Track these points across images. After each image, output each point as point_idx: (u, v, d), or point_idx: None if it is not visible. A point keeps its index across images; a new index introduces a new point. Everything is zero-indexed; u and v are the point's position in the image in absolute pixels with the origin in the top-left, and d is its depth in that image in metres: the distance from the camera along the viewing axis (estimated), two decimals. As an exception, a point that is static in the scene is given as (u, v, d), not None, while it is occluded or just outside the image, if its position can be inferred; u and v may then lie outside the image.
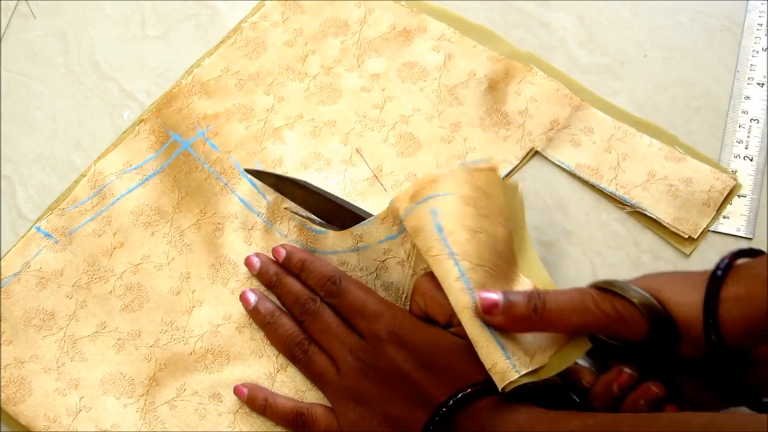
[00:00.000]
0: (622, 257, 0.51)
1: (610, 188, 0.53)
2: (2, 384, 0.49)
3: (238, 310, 0.50)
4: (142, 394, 0.48)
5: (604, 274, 0.51)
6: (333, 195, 0.52)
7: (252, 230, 0.52)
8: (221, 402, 0.48)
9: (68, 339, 0.50)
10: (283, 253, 0.50)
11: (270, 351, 0.49)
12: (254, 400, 0.47)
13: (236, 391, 0.47)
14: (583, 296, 0.41)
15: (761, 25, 0.58)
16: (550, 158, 0.54)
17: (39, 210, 0.54)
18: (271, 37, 0.59)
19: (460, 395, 0.40)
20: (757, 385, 0.39)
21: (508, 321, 0.41)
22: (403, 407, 0.42)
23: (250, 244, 0.52)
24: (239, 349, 0.49)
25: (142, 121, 0.56)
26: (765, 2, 0.59)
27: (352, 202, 0.53)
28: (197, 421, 0.47)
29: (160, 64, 0.60)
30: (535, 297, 0.41)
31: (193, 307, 0.50)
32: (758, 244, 0.51)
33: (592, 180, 0.53)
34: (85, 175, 0.55)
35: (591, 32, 0.59)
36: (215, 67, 0.58)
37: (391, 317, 0.45)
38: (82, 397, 0.48)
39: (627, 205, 0.52)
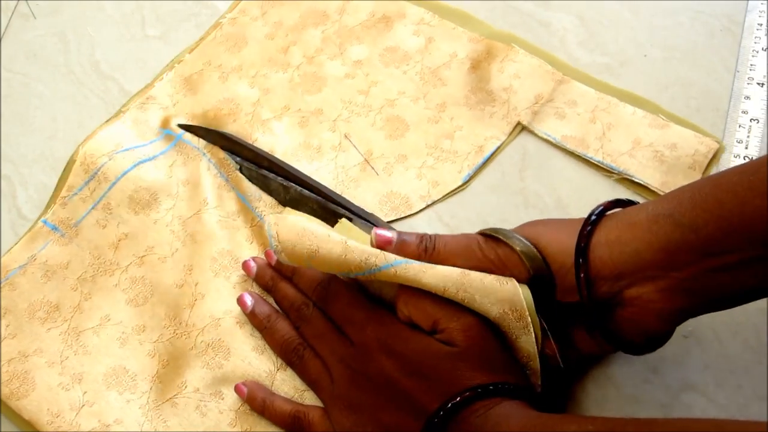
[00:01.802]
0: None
1: (597, 157, 0.53)
2: (5, 379, 0.48)
3: None
4: (145, 391, 0.48)
5: (604, 274, 0.51)
6: (260, 149, 0.54)
7: (253, 228, 0.52)
8: (222, 399, 0.48)
9: (72, 331, 0.50)
10: (274, 256, 0.50)
11: (270, 349, 0.49)
12: (254, 400, 0.47)
13: (237, 389, 0.47)
14: (470, 241, 0.44)
15: (761, 25, 0.58)
16: (536, 132, 0.55)
17: (39, 210, 0.54)
18: (251, 31, 0.60)
19: (450, 404, 0.40)
20: (625, 328, 0.41)
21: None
22: (394, 415, 0.42)
23: (251, 242, 0.52)
24: (239, 344, 0.49)
25: (120, 112, 0.56)
26: (765, 2, 0.59)
27: (346, 189, 0.53)
28: (199, 418, 0.47)
29: (160, 64, 0.60)
30: (427, 239, 0.44)
31: (195, 300, 0.50)
32: (758, 244, 0.51)
33: (579, 151, 0.54)
34: (75, 160, 0.54)
35: (591, 32, 0.59)
36: (197, 62, 0.59)
37: (378, 324, 0.45)
38: (85, 392, 0.48)
39: (614, 173, 0.53)
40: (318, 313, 0.47)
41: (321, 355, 0.46)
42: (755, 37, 0.57)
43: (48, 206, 0.54)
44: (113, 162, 0.54)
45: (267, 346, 0.49)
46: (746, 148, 0.54)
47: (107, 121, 0.56)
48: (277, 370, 0.48)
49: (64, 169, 0.55)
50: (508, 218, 0.53)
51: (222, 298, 0.50)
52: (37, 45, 0.61)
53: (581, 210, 0.52)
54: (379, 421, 0.42)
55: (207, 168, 0.54)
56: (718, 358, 0.48)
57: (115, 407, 0.48)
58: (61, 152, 0.56)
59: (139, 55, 0.60)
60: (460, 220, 0.53)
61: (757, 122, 0.54)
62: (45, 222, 0.53)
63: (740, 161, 0.53)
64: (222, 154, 0.54)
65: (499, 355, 0.42)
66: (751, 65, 0.56)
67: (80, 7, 0.62)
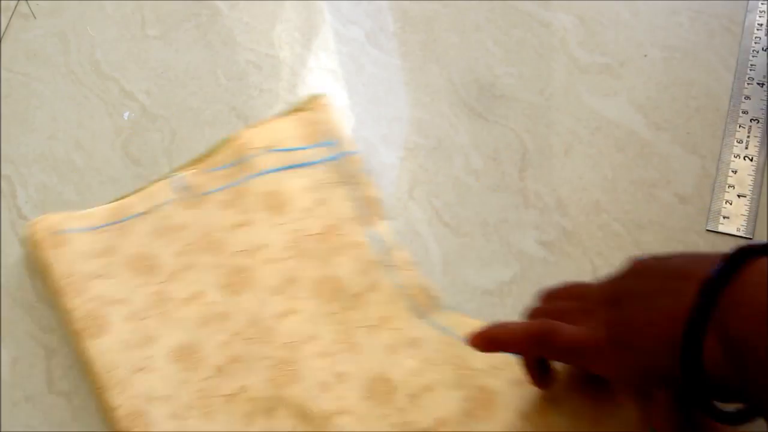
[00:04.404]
0: (622, 257, 0.51)
1: None
2: (83, 314, 0.47)
3: (330, 336, 0.48)
4: (204, 378, 0.47)
5: (605, 274, 0.51)
6: None
7: (369, 263, 0.50)
8: (272, 418, 0.46)
9: (161, 295, 0.48)
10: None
11: (337, 393, 0.46)
12: (481, 338, 0.43)
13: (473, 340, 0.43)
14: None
15: (761, 25, 0.58)
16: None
17: (39, 210, 0.54)
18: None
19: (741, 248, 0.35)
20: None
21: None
22: (664, 290, 0.37)
23: (362, 276, 0.49)
24: (309, 374, 0.46)
25: (298, 110, 0.55)
26: (765, 2, 0.59)
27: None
28: (244, 426, 0.45)
29: (160, 64, 0.60)
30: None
31: (287, 314, 0.48)
32: (758, 244, 0.51)
33: None
34: (230, 141, 0.54)
35: (591, 32, 0.59)
36: None
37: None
38: (149, 357, 0.47)
39: None
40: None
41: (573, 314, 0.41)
42: (755, 37, 0.57)
43: (183, 168, 0.53)
44: (264, 157, 0.52)
45: (336, 386, 0.46)
46: (746, 148, 0.54)
47: (281, 114, 0.55)
48: (336, 414, 0.45)
49: (216, 145, 0.54)
50: (508, 218, 0.53)
51: (311, 322, 0.48)
52: (37, 45, 0.61)
53: (581, 210, 0.53)
54: (647, 300, 0.37)
55: (349, 199, 0.52)
56: (718, 358, 0.48)
57: (170, 382, 0.46)
58: (61, 152, 0.56)
59: (139, 55, 0.60)
60: (461, 219, 0.53)
61: (757, 122, 0.54)
62: (173, 182, 0.52)
63: (740, 161, 0.53)
64: (373, 192, 0.52)
65: None
66: (751, 65, 0.56)
67: (80, 7, 0.62)
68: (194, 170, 0.53)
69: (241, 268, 0.50)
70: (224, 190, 0.52)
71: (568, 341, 0.40)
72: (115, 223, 0.51)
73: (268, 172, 0.52)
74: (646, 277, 0.39)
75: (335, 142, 0.54)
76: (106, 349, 0.47)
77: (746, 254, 0.35)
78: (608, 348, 0.38)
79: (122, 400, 0.45)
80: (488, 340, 0.42)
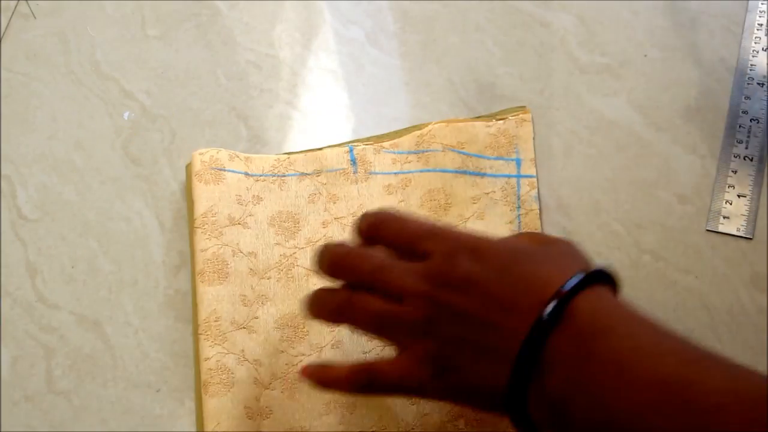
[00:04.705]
0: (622, 257, 0.51)
1: None
2: (207, 257, 0.47)
3: None
4: (301, 354, 0.46)
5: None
6: None
7: None
8: (351, 414, 0.45)
9: (291, 259, 0.48)
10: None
11: (424, 408, 0.45)
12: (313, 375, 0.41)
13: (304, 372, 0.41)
14: None
15: (761, 25, 0.58)
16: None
17: (39, 210, 0.54)
18: None
19: (580, 276, 0.33)
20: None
21: None
22: (487, 330, 0.34)
23: None
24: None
25: (495, 117, 0.54)
26: (765, 2, 0.59)
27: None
28: (319, 412, 0.45)
29: (160, 64, 0.60)
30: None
31: None
32: (758, 244, 0.51)
33: None
34: (419, 129, 0.53)
35: (591, 32, 0.59)
36: None
37: (463, 234, 0.38)
38: (255, 318, 0.46)
39: None
40: (374, 249, 0.39)
41: (384, 287, 0.38)
42: (755, 37, 0.57)
43: (365, 141, 0.53)
44: (445, 155, 0.51)
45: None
46: (746, 148, 0.54)
47: (476, 117, 0.54)
48: (414, 430, 0.45)
49: (404, 129, 0.54)
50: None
51: None
52: (37, 45, 0.61)
53: (581, 210, 0.53)
54: (469, 340, 0.35)
55: (507, 219, 0.51)
56: (718, 358, 0.48)
57: (266, 348, 0.46)
58: (61, 152, 0.56)
59: (139, 55, 0.60)
60: (460, 220, 0.53)
61: (757, 122, 0.54)
62: (351, 150, 0.51)
63: (740, 161, 0.53)
64: (536, 221, 0.51)
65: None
66: (751, 65, 0.56)
67: (80, 7, 0.62)
68: (372, 145, 0.52)
69: None
70: (392, 174, 0.51)
71: (391, 383, 0.38)
72: (275, 176, 0.50)
73: (443, 171, 0.51)
74: (468, 292, 0.36)
75: (521, 161, 0.52)
76: (218, 298, 0.46)
77: (574, 292, 0.33)
78: (433, 384, 0.36)
79: (213, 353, 0.45)
80: (319, 381, 0.40)
